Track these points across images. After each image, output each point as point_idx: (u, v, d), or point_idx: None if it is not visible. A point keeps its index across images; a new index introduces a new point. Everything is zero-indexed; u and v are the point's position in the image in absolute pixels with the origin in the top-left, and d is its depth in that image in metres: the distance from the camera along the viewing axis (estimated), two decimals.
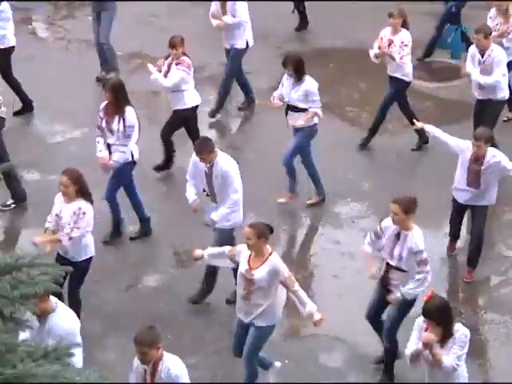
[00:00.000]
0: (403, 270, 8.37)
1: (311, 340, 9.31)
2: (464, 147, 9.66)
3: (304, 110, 10.78)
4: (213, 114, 12.79)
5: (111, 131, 10.13)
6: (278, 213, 11.07)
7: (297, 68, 10.75)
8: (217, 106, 12.85)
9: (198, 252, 8.67)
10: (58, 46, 14.64)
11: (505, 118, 12.53)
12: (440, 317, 7.33)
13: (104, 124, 10.18)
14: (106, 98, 10.18)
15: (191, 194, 9.61)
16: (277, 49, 14.34)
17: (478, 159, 9.58)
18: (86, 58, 13.92)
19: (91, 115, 11.20)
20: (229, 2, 12.50)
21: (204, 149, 9.28)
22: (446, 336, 7.33)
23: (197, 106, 11.52)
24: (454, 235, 10.32)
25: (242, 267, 8.20)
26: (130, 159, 10.23)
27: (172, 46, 11.16)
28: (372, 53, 11.75)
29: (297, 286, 8.12)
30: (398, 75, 11.72)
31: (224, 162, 9.32)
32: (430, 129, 10.02)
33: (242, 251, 8.27)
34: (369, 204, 11.26)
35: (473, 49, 11.31)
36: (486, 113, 11.35)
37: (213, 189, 9.39)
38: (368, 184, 11.59)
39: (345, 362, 9.18)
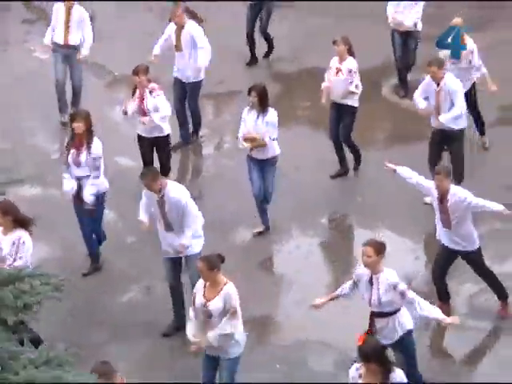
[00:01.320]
0: (387, 314, 8.34)
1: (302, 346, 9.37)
2: (431, 186, 9.54)
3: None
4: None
5: (78, 164, 10.04)
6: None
7: (262, 98, 10.60)
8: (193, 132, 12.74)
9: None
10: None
11: (486, 146, 12.50)
12: (378, 358, 7.21)
13: (71, 158, 10.08)
14: (77, 129, 10.04)
15: (143, 215, 9.52)
16: (266, 69, 14.51)
17: (442, 197, 9.38)
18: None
19: None
20: (185, 34, 12.20)
21: (147, 177, 9.23)
22: (385, 377, 7.21)
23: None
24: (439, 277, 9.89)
25: (198, 300, 8.16)
26: (104, 190, 10.20)
27: (135, 73, 11.03)
28: (323, 85, 11.74)
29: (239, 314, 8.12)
30: (349, 102, 11.69)
31: (174, 190, 9.24)
32: (401, 170, 9.77)
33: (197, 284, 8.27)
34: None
35: (428, 80, 11.22)
36: (451, 146, 11.32)
37: (167, 218, 9.28)
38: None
39: (336, 366, 9.20)
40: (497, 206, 9.36)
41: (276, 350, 9.44)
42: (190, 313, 8.34)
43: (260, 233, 11.11)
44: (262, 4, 14.32)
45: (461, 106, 11.07)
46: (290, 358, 9.22)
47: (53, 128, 13.01)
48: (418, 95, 11.39)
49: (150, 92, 11.03)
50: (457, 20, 12.16)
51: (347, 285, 8.62)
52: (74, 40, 12.85)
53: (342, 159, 12.06)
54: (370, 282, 8.32)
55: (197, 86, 12.40)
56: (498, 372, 8.95)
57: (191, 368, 8.73)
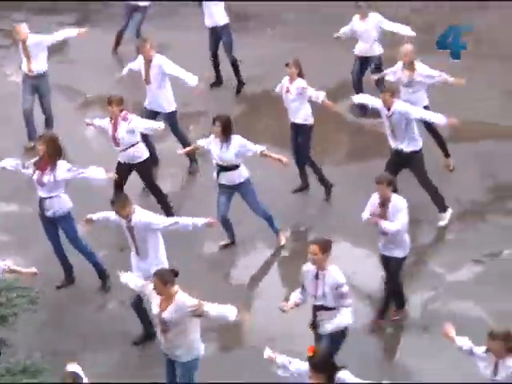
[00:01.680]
0: (330, 308, 8.42)
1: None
2: (375, 197, 9.59)
3: (236, 167, 10.69)
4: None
5: (42, 184, 9.99)
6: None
7: (225, 127, 10.55)
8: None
9: None
10: None
11: (451, 168, 12.58)
12: (326, 368, 7.24)
13: (36, 177, 10.03)
14: (40, 151, 10.02)
15: (99, 215, 9.56)
16: (231, 91, 14.60)
17: (382, 204, 9.48)
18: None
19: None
20: (154, 64, 12.11)
21: (117, 204, 9.22)
22: (331, 381, 7.25)
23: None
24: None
25: (155, 309, 8.22)
26: (67, 209, 10.17)
27: (109, 103, 10.99)
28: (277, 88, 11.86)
29: (207, 307, 8.07)
30: (300, 121, 11.76)
31: (142, 215, 9.22)
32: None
33: (153, 296, 8.29)
34: None
35: (380, 104, 11.27)
36: (411, 168, 11.38)
37: (136, 242, 9.27)
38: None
39: None
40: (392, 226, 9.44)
41: (241, 357, 9.48)
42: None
43: (226, 245, 11.15)
44: (218, 32, 14.34)
45: (410, 129, 11.15)
46: (255, 365, 9.17)
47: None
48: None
49: (123, 119, 10.96)
50: (407, 46, 12.21)
51: (297, 292, 8.66)
52: (37, 68, 12.72)
53: (302, 175, 12.14)
54: (316, 276, 8.41)
55: (172, 115, 12.37)
56: (451, 372, 8.99)
57: (163, 375, 8.72)
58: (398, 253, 9.63)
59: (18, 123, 13.24)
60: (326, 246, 8.42)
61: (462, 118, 13.60)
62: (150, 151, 12.13)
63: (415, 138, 11.20)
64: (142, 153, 11.22)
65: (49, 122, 13.07)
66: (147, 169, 11.38)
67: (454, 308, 10.01)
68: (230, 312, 8.17)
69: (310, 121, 11.78)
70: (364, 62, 13.70)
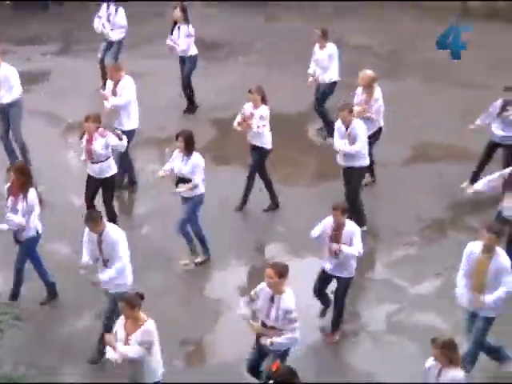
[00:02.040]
0: (280, 330, 8.38)
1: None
2: (328, 220, 9.57)
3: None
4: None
5: (16, 211, 9.92)
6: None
7: (187, 143, 10.65)
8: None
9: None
10: None
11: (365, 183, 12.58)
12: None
13: (9, 203, 9.99)
14: (11, 180, 10.01)
15: (85, 255, 9.42)
16: (204, 115, 14.68)
17: (337, 229, 9.48)
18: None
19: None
20: (120, 85, 12.14)
21: (91, 221, 9.19)
22: None
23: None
24: (319, 291, 10.04)
25: (120, 335, 8.13)
26: (36, 234, 10.13)
27: (86, 119, 11.03)
28: (235, 122, 11.90)
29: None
30: (258, 144, 11.85)
31: (113, 231, 9.24)
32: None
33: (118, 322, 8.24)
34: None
35: (339, 123, 11.39)
36: (350, 179, 11.52)
37: (103, 255, 9.26)
38: None
39: None
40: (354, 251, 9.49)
41: (211, 369, 9.47)
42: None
43: (201, 263, 11.14)
44: (185, 59, 14.47)
45: (360, 145, 11.23)
46: (226, 376, 9.23)
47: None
48: (335, 137, 11.58)
49: (101, 135, 10.98)
50: (366, 72, 12.30)
51: (244, 304, 8.61)
52: (5, 99, 12.52)
53: (270, 192, 12.20)
54: (272, 299, 8.35)
55: (130, 133, 12.31)
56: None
57: None
58: (346, 273, 9.64)
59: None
60: (282, 271, 8.29)
61: (423, 139, 13.92)
62: (129, 172, 12.26)
63: (366, 155, 11.36)
64: (111, 168, 11.25)
65: (23, 150, 12.82)
66: (112, 185, 11.39)
67: (417, 319, 10.08)
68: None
69: (269, 146, 11.88)
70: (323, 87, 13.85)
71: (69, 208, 11.88)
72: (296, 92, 14.66)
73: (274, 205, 12.24)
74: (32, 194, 9.99)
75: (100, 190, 11.41)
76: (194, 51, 14.45)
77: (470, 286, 8.83)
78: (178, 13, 14.25)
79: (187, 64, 14.49)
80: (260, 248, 11.55)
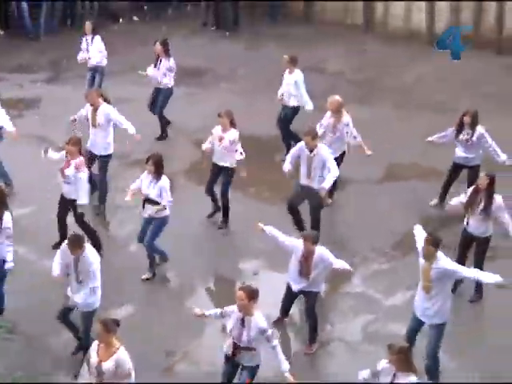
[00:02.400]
0: (252, 349, 8.42)
1: None
2: (298, 245, 9.58)
3: (159, 204, 10.68)
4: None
5: None
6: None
7: (157, 166, 10.64)
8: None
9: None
10: None
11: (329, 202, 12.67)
12: None
13: None
14: None
15: (56, 269, 9.36)
16: (190, 137, 14.75)
17: (307, 256, 9.49)
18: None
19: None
20: (100, 111, 12.13)
21: (73, 244, 9.10)
22: None
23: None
24: (286, 312, 10.19)
25: (93, 359, 8.04)
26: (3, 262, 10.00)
27: (67, 142, 11.03)
28: (204, 146, 12.00)
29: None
30: (227, 164, 11.92)
31: (90, 254, 9.17)
32: (268, 229, 9.88)
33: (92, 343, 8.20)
34: None
35: (301, 146, 11.45)
36: (311, 201, 11.56)
37: (78, 275, 9.18)
38: None
39: None
40: (343, 265, 9.68)
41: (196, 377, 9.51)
42: (85, 368, 8.24)
43: (148, 279, 11.01)
44: (161, 90, 14.50)
45: (335, 168, 11.35)
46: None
47: None
48: (288, 157, 11.69)
49: (76, 166, 10.91)
50: (334, 97, 12.41)
51: (214, 312, 8.64)
52: None
53: (214, 201, 12.28)
54: (242, 322, 8.31)
55: (107, 158, 12.40)
56: None
57: None
58: (316, 288, 9.69)
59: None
60: (252, 294, 8.27)
61: (395, 160, 14.04)
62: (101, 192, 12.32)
63: (325, 178, 11.40)
64: (81, 194, 11.11)
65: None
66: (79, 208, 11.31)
67: (391, 329, 10.10)
68: None
69: (234, 165, 11.96)
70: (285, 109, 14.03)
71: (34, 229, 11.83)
72: (275, 117, 14.73)
73: (225, 223, 12.25)
74: (8, 217, 9.89)
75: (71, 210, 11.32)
76: (170, 84, 14.48)
77: (420, 290, 9.13)
78: (158, 46, 14.33)
79: (162, 95, 14.50)
80: (241, 263, 11.54)
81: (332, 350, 9.91)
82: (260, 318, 8.36)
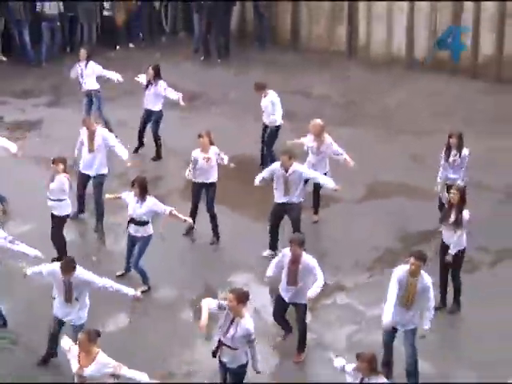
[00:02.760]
0: (233, 349, 8.47)
1: None
2: (286, 252, 9.63)
3: (145, 223, 10.78)
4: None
5: None
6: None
7: (142, 188, 10.67)
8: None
9: None
10: None
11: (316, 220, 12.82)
12: None
13: None
14: None
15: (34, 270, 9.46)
16: (182, 158, 14.80)
17: (294, 261, 9.51)
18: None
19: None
20: (97, 134, 12.23)
21: (66, 268, 9.11)
22: None
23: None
24: (286, 324, 10.10)
25: (74, 366, 8.16)
26: None
27: (52, 161, 11.20)
28: (187, 175, 12.14)
29: (123, 371, 8.08)
30: (213, 180, 12.15)
31: (83, 274, 9.20)
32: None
33: (72, 351, 8.24)
34: None
35: (277, 165, 11.58)
36: (291, 215, 11.66)
37: (72, 296, 9.20)
38: None
39: None
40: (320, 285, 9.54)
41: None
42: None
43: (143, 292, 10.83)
44: (152, 113, 14.62)
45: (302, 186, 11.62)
46: None
47: None
48: (263, 173, 11.87)
49: (59, 181, 11.09)
50: (316, 121, 12.55)
51: (213, 307, 8.55)
52: None
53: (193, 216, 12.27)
54: (231, 322, 8.39)
55: (102, 177, 12.47)
56: None
57: None
58: (304, 300, 9.70)
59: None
60: (241, 297, 8.36)
61: (377, 180, 14.15)
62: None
63: (301, 193, 11.59)
64: (63, 209, 11.28)
65: None
66: (61, 224, 11.37)
67: (373, 338, 10.08)
68: (142, 377, 8.15)
69: (216, 179, 12.17)
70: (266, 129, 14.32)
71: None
72: (260, 137, 14.88)
73: (216, 237, 12.33)
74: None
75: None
76: (160, 107, 14.62)
77: (399, 304, 9.12)
78: (150, 71, 14.49)
79: (153, 118, 14.64)
80: (230, 275, 11.53)
81: (318, 357, 9.95)
82: (248, 321, 8.44)
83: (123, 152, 12.45)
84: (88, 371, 8.03)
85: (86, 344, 8.02)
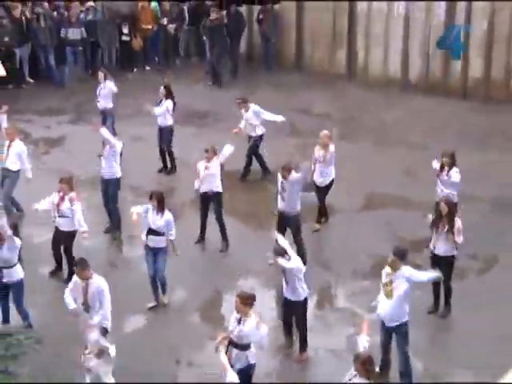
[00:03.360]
0: (241, 347, 8.43)
1: None
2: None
3: (162, 234, 10.57)
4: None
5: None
6: None
7: (159, 201, 10.58)
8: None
9: None
10: None
11: (315, 229, 12.74)
12: None
13: None
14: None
15: (71, 301, 9.20)
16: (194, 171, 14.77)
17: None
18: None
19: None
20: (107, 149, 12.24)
21: (80, 267, 9.03)
22: None
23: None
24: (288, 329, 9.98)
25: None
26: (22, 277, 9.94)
27: (60, 181, 11.11)
28: (196, 185, 12.13)
29: None
30: (218, 190, 12.06)
31: (99, 281, 9.09)
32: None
33: None
34: None
35: (279, 176, 11.44)
36: (290, 227, 11.54)
37: (87, 301, 9.08)
38: None
39: None
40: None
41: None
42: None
43: (152, 307, 10.84)
44: (163, 129, 14.62)
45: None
46: None
47: None
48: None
49: (70, 200, 10.99)
50: (324, 132, 12.64)
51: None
52: (10, 165, 12.73)
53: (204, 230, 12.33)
54: (239, 321, 8.40)
55: (117, 181, 12.45)
56: None
57: None
58: (296, 297, 9.56)
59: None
60: (246, 300, 8.37)
61: (373, 191, 14.10)
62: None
63: (298, 204, 11.44)
64: (70, 225, 11.11)
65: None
66: (70, 240, 11.21)
67: (371, 340, 9.97)
68: None
69: (221, 189, 12.08)
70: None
71: (83, 251, 11.80)
72: (267, 151, 14.87)
73: (225, 244, 12.25)
74: (18, 241, 9.87)
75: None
76: (170, 122, 14.62)
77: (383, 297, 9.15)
78: (163, 91, 14.52)
79: (164, 133, 14.62)
80: (239, 280, 11.46)
81: (319, 358, 9.87)
82: (253, 319, 8.40)
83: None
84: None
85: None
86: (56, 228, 11.27)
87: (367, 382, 7.67)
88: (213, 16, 19.94)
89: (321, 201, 12.75)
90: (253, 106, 14.24)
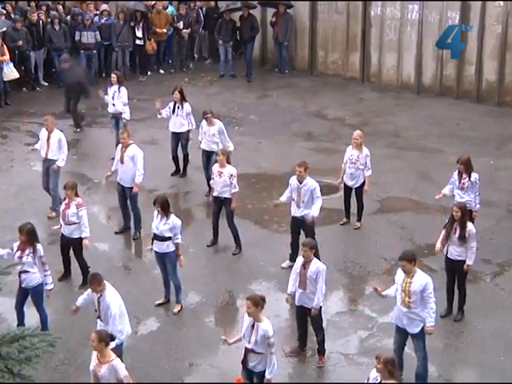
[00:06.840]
0: (258, 353, 8.34)
1: None
2: (298, 260, 9.51)
3: (168, 239, 10.48)
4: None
5: (22, 262, 9.70)
6: None
7: (163, 206, 10.47)
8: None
9: None
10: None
11: (341, 222, 12.79)
12: None
13: (17, 255, 9.78)
14: (20, 239, 9.80)
15: (80, 300, 9.28)
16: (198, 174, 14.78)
17: (305, 264, 9.35)
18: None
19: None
20: (129, 150, 12.21)
21: (94, 283, 8.90)
22: None
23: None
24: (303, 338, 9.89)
25: (92, 363, 8.09)
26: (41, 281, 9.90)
27: (64, 187, 11.09)
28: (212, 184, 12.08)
29: None
30: (227, 195, 11.93)
31: (111, 294, 8.92)
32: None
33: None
34: None
35: (294, 179, 11.37)
36: (304, 226, 11.44)
37: (101, 314, 8.95)
38: None
39: None
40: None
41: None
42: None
43: (160, 304, 10.79)
44: (179, 135, 14.46)
45: (319, 199, 11.28)
46: None
47: (44, 222, 12.87)
48: (285, 193, 11.54)
49: (76, 205, 10.93)
50: (358, 131, 12.69)
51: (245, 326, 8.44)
52: (51, 155, 12.93)
53: (216, 233, 12.25)
54: (252, 326, 8.30)
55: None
56: None
57: None
58: (313, 304, 9.48)
59: (39, 202, 13.28)
60: (257, 301, 8.22)
61: (388, 194, 14.02)
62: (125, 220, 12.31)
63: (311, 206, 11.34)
64: (79, 232, 11.02)
65: (52, 198, 13.06)
66: (79, 245, 11.09)
67: (385, 344, 9.97)
68: None
69: (231, 196, 11.98)
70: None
71: (98, 254, 11.84)
72: (279, 155, 14.83)
73: (238, 249, 12.16)
74: (40, 247, 9.83)
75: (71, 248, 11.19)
76: (187, 128, 14.46)
77: (400, 304, 9.06)
78: (177, 95, 14.35)
79: (182, 138, 14.47)
80: (252, 284, 11.40)
81: (333, 361, 9.78)
82: (267, 324, 8.32)
83: (139, 176, 12.24)
84: (102, 371, 7.94)
85: (97, 344, 7.89)
86: (62, 235, 11.17)
87: (394, 381, 7.60)
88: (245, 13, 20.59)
89: (359, 200, 12.68)
90: (218, 124, 13.67)
